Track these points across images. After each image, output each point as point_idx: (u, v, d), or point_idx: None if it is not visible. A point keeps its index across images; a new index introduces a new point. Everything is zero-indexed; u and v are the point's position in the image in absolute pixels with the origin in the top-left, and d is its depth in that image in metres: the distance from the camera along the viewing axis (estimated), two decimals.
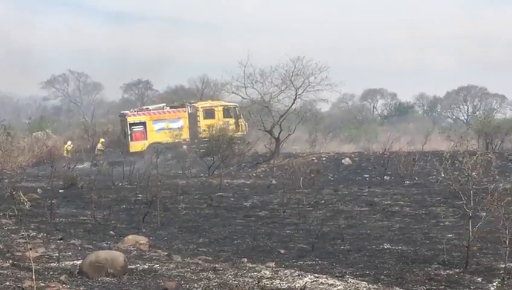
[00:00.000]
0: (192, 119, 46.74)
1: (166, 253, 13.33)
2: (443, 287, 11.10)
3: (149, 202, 19.61)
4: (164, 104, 47.57)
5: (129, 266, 11.20)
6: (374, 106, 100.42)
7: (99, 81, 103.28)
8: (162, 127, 44.52)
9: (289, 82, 42.04)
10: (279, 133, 41.78)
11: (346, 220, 19.05)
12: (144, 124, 46.21)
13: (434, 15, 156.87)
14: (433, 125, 76.06)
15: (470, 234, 12.55)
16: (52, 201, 19.70)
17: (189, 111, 46.75)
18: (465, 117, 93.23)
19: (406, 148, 38.63)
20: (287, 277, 10.92)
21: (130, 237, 14.76)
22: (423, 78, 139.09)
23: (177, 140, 43.90)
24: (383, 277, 11.75)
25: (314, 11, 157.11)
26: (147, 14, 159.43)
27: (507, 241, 12.00)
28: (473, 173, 12.93)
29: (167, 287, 9.83)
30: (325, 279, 10.85)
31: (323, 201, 23.09)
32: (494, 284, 11.28)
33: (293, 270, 11.49)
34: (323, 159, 39.33)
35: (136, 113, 47.34)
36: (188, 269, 11.45)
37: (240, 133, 46.21)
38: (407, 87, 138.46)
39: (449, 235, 16.09)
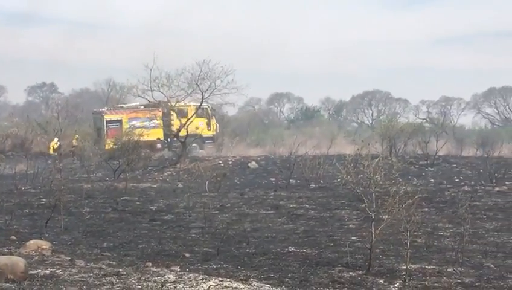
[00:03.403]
0: (166, 118, 47.28)
1: (69, 258, 13.11)
2: (346, 289, 11.22)
3: (52, 207, 19.26)
4: (138, 103, 47.21)
5: (30, 272, 10.97)
6: (280, 110, 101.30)
7: (2, 84, 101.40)
8: (137, 126, 44.07)
9: (195, 85, 41.91)
10: (186, 137, 41.64)
11: (251, 223, 19.09)
12: (119, 121, 46.78)
13: (340, 20, 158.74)
14: (339, 129, 77.07)
15: (373, 236, 12.72)
16: None
17: (164, 111, 46.90)
18: (370, 121, 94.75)
19: (312, 152, 39.02)
20: (191, 280, 10.88)
21: (32, 241, 14.46)
22: (329, 83, 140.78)
23: (151, 138, 43.57)
24: (287, 279, 11.81)
25: (219, 15, 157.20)
26: (53, 16, 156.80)
27: (408, 244, 12.21)
28: (376, 176, 13.10)
29: None
30: (229, 282, 10.85)
31: (229, 205, 23.11)
32: (396, 285, 11.45)
33: (197, 274, 11.46)
34: (230, 162, 39.42)
35: (112, 111, 47.31)
36: (91, 274, 11.29)
37: (211, 132, 49.77)
38: (313, 92, 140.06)
39: (353, 238, 16.30)
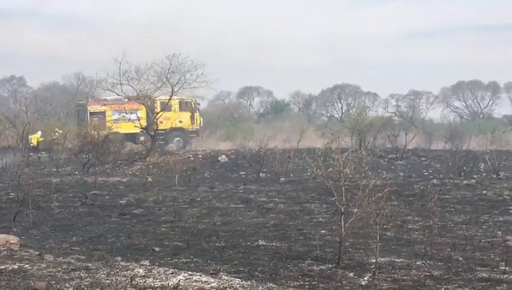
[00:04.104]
0: (150, 111, 46.94)
1: (37, 252, 13.03)
2: (316, 282, 11.24)
3: (21, 201, 19.12)
4: (122, 96, 47.01)
5: None
6: (250, 104, 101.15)
7: None
8: (121, 118, 43.89)
9: (165, 79, 41.76)
10: (155, 131, 41.54)
11: (221, 217, 19.07)
12: (103, 113, 46.98)
13: (309, 13, 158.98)
14: (308, 122, 77.15)
15: (342, 229, 12.76)
16: None
17: (148, 104, 46.64)
18: (340, 115, 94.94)
19: (282, 146, 39.08)
20: (160, 275, 10.86)
21: (0, 236, 14.36)
22: (299, 77, 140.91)
23: (134, 131, 43.38)
24: (257, 273, 11.82)
25: (189, 9, 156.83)
26: (21, 8, 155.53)
27: (378, 237, 12.27)
28: (345, 170, 13.14)
29: (37, 287, 9.61)
30: (199, 276, 10.84)
31: (198, 198, 23.07)
32: (366, 278, 11.49)
33: (167, 268, 11.43)
34: (200, 156, 39.34)
35: (96, 103, 47.37)
36: (60, 269, 11.23)
37: (195, 126, 50.16)
38: (283, 85, 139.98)
39: (322, 231, 16.33)
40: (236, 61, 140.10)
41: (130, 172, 34.74)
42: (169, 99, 43.96)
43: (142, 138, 46.10)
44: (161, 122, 46.76)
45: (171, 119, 48.32)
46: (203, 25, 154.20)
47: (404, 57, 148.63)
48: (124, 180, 30.61)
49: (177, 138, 49.38)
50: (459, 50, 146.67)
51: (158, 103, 46.94)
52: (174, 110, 49.07)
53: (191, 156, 39.29)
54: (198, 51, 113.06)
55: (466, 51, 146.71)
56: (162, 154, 38.66)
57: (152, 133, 41.35)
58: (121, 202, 22.70)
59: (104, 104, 47.72)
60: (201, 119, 52.51)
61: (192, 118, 50.38)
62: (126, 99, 45.96)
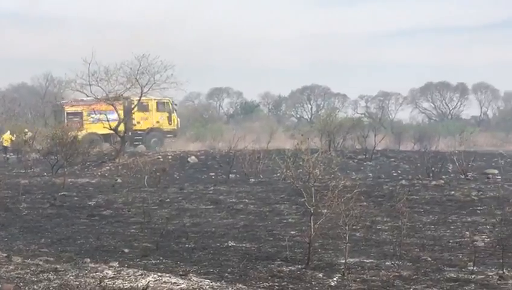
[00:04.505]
0: (127, 111, 47.18)
1: (5, 254, 12.94)
2: (285, 283, 11.26)
3: None
4: (100, 97, 46.78)
5: None
6: (220, 105, 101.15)
7: None
8: (98, 118, 43.70)
9: (134, 80, 41.61)
10: (125, 132, 41.39)
11: (191, 218, 19.04)
12: (80, 114, 47.15)
13: (277, 15, 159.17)
14: (278, 123, 77.29)
15: (312, 230, 12.78)
16: None
17: (125, 104, 46.87)
18: (309, 116, 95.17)
19: (251, 147, 39.10)
20: (129, 276, 10.83)
21: None
22: (268, 78, 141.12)
23: (111, 131, 43.27)
24: (226, 274, 11.81)
25: (158, 9, 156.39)
26: None
27: (347, 237, 12.30)
28: (315, 171, 13.16)
29: (4, 289, 9.54)
30: (168, 278, 10.83)
31: (168, 200, 23.02)
32: (335, 279, 11.53)
33: (136, 270, 11.40)
34: (169, 157, 39.23)
35: (73, 103, 47.23)
36: (28, 271, 11.17)
37: (172, 127, 50.45)
38: (252, 87, 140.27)
39: (292, 232, 16.35)
40: (206, 62, 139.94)
41: (99, 173, 34.59)
42: (139, 100, 43.85)
43: (119, 138, 46.19)
44: (138, 122, 47.74)
45: (149, 120, 48.69)
46: (173, 26, 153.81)
47: (373, 59, 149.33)
48: (93, 181, 30.47)
49: (155, 139, 49.65)
50: (428, 51, 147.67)
51: (136, 103, 47.09)
52: (152, 111, 49.53)
53: (160, 157, 39.19)
54: (168, 52, 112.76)
55: (434, 53, 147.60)
56: (132, 155, 38.57)
57: (121, 134, 41.15)
58: (90, 203, 22.59)
59: (81, 105, 47.52)
60: (179, 119, 52.73)
61: (169, 118, 50.73)
62: (103, 100, 45.77)
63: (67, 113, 48.11)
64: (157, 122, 50.00)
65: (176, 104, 53.79)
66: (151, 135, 49.84)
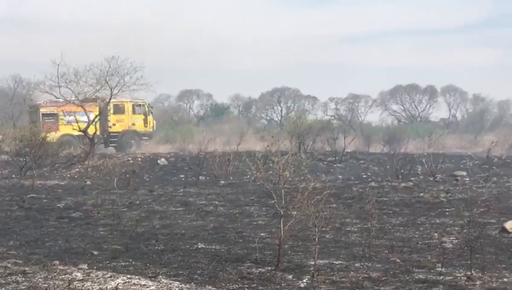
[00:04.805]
0: (103, 113, 47.36)
1: None
2: (255, 285, 11.28)
3: None
4: (75, 99, 46.45)
5: None
6: (190, 107, 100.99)
7: None
8: (73, 120, 43.36)
9: (104, 82, 41.46)
10: (94, 134, 41.21)
11: (161, 220, 19.01)
12: (55, 115, 46.88)
13: (245, 17, 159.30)
14: (248, 126, 77.30)
15: (282, 232, 12.81)
16: None
17: (100, 106, 46.68)
18: (279, 118, 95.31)
19: (222, 149, 39.10)
20: (99, 278, 10.79)
21: None
22: (238, 80, 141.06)
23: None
24: (196, 276, 11.81)
25: (130, 11, 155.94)
26: None
27: (317, 239, 12.34)
28: (285, 173, 13.19)
29: None
30: (138, 280, 10.81)
31: (138, 202, 22.95)
32: (305, 280, 11.56)
33: (105, 272, 11.36)
34: (139, 159, 39.12)
35: (48, 104, 46.93)
36: None
37: (148, 129, 50.71)
38: (222, 89, 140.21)
39: (262, 234, 16.36)
40: (176, 64, 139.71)
41: (68, 175, 34.40)
42: (108, 101, 43.70)
43: (95, 140, 46.30)
44: (114, 124, 47.90)
45: (124, 122, 48.83)
46: (144, 28, 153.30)
47: (343, 61, 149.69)
48: (62, 183, 30.31)
49: (130, 141, 49.73)
50: (397, 54, 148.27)
51: (111, 105, 47.61)
52: (128, 113, 49.79)
53: (130, 159, 39.06)
54: (138, 53, 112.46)
55: (403, 56, 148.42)
56: (101, 157, 38.42)
57: (90, 136, 40.94)
58: (59, 205, 22.47)
59: (56, 106, 47.29)
60: (155, 122, 52.95)
61: (145, 121, 50.92)
62: (79, 101, 45.53)
63: (42, 114, 47.94)
64: (133, 124, 50.18)
65: (152, 107, 54.01)
66: (126, 137, 49.88)
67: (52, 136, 44.64)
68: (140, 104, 50.91)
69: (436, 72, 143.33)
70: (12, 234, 16.78)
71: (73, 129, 42.17)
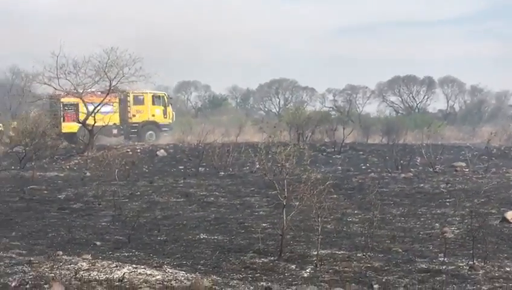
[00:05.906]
0: (123, 104, 48.12)
1: None
2: (258, 274, 11.34)
3: None
4: (95, 89, 46.34)
5: None
6: (188, 98, 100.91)
7: None
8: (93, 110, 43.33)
9: (103, 73, 41.43)
10: (93, 125, 41.20)
11: (162, 211, 19.06)
12: (76, 105, 46.34)
13: (245, 8, 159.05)
14: (246, 117, 77.24)
15: (284, 222, 12.87)
16: None
17: (121, 97, 47.19)
18: (277, 109, 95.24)
19: (220, 140, 39.14)
20: (104, 268, 10.85)
21: None
22: (236, 71, 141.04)
23: (107, 123, 42.90)
24: (199, 266, 11.88)
25: (127, 3, 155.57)
26: None
27: (319, 229, 12.41)
28: (287, 164, 13.24)
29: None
30: (143, 269, 10.88)
31: (138, 193, 23.01)
32: (308, 270, 11.63)
33: (110, 262, 11.42)
34: (138, 151, 39.21)
35: (69, 95, 46.88)
36: (2, 263, 11.16)
37: (167, 120, 50.79)
38: (220, 80, 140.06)
39: (264, 225, 16.43)
40: (174, 55, 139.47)
41: (68, 167, 34.44)
42: (107, 93, 43.51)
43: (115, 131, 47.47)
44: (134, 115, 48.56)
45: (144, 113, 49.03)
46: (140, 18, 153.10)
47: (341, 52, 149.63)
48: (61, 174, 30.35)
49: (150, 132, 49.90)
50: (395, 45, 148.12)
51: (131, 96, 48.37)
52: (147, 104, 50.00)
53: (129, 150, 39.11)
54: (136, 45, 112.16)
55: (402, 46, 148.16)
56: (100, 149, 38.45)
57: (89, 128, 40.91)
58: (59, 196, 22.52)
59: (77, 97, 47.04)
60: (174, 113, 53.08)
61: (164, 112, 50.92)
62: (100, 92, 45.38)
63: (63, 104, 47.62)
64: (153, 115, 50.32)
65: (171, 98, 54.19)
66: (146, 128, 50.06)
67: (73, 127, 45.29)
68: (160, 96, 51.30)
69: (434, 63, 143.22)
70: (14, 225, 16.80)
71: (100, 120, 42.09)
